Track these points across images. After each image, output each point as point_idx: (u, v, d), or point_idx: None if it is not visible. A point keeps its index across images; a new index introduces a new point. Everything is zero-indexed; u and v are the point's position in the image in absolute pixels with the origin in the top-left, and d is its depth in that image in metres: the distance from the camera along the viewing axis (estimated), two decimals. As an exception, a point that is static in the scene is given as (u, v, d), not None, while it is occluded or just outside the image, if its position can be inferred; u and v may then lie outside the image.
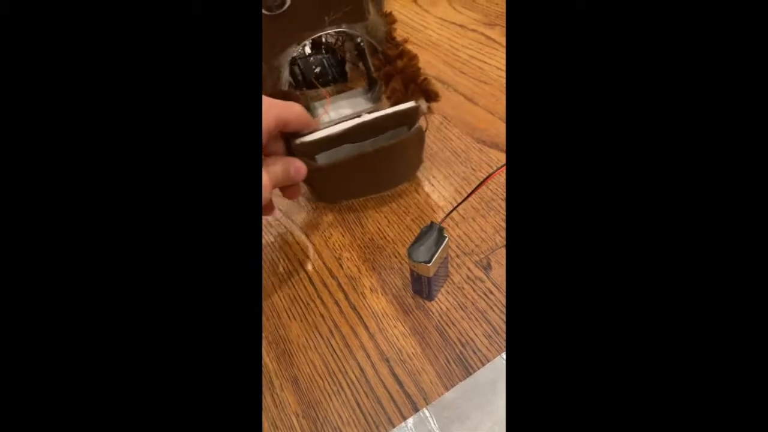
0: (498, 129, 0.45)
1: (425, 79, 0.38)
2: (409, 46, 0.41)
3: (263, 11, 0.35)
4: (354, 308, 0.35)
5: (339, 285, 0.36)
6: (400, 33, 0.43)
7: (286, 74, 0.40)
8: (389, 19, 0.43)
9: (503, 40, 0.54)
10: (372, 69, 0.42)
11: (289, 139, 0.36)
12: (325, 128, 0.36)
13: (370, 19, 0.39)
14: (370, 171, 0.39)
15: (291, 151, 0.36)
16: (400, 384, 0.30)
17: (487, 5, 0.61)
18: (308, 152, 0.36)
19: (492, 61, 0.54)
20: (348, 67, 0.49)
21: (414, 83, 0.38)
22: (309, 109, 0.43)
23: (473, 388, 0.29)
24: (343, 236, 0.40)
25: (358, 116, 0.36)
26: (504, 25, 0.56)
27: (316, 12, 0.37)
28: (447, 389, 0.29)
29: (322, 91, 0.46)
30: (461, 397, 0.29)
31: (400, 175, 0.41)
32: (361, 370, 0.31)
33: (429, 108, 0.39)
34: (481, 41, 0.56)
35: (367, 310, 0.34)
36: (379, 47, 0.41)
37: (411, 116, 0.37)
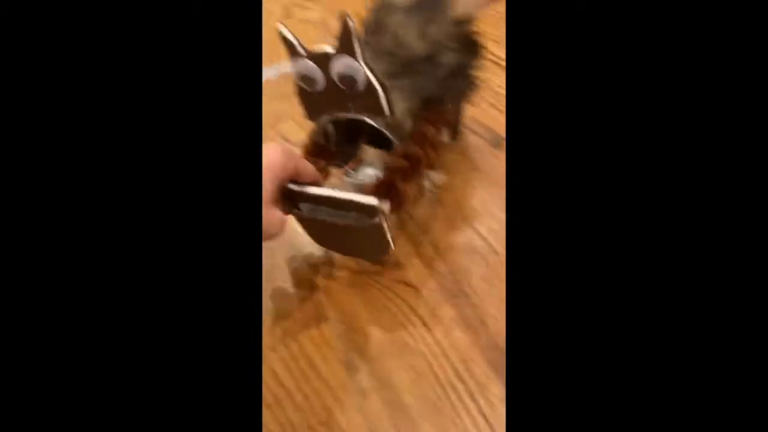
0: None
1: (404, 185, 0.42)
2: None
3: (299, 83, 0.44)
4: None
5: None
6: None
7: (329, 130, 0.48)
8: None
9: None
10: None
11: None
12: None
13: (392, 116, 0.44)
14: (337, 235, 0.46)
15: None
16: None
17: None
18: (292, 198, 0.45)
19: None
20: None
21: (386, 185, 0.42)
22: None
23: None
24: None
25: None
26: None
27: (341, 98, 0.44)
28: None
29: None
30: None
31: (364, 251, 0.47)
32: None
33: (390, 210, 0.43)
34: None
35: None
36: (396, 141, 0.45)
37: (369, 210, 0.42)
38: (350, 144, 0.52)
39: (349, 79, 0.41)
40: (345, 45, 0.39)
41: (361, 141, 0.50)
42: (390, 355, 0.42)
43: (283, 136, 0.64)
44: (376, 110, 0.43)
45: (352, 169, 0.51)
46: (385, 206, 0.42)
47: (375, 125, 0.45)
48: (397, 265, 0.48)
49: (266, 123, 0.58)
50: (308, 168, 0.43)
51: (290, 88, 0.46)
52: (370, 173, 0.50)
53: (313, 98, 0.45)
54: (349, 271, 0.49)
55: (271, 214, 0.39)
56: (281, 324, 0.46)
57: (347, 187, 0.49)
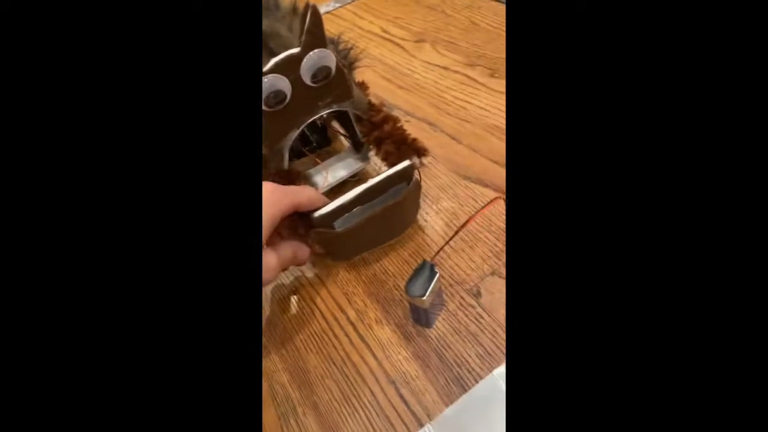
0: (481, 165, 0.50)
1: (414, 138, 0.44)
2: (400, 92, 0.45)
3: (264, 108, 0.39)
4: (362, 339, 0.40)
5: (348, 319, 0.41)
6: (375, 96, 0.48)
7: (287, 155, 0.44)
8: (363, 87, 0.47)
9: (484, 80, 0.59)
10: (358, 134, 0.47)
11: (303, 215, 0.40)
12: (336, 198, 0.41)
13: (354, 95, 0.44)
14: (380, 226, 0.44)
15: (308, 224, 0.40)
16: (406, 404, 0.35)
17: (467, 47, 0.65)
18: (327, 223, 0.41)
19: (474, 100, 0.58)
20: (329, 132, 0.53)
21: (405, 144, 0.43)
22: (305, 177, 0.48)
23: (470, 403, 0.34)
24: (348, 273, 0.45)
25: (354, 177, 0.41)
26: (484, 65, 0.61)
27: (311, 101, 0.41)
28: (447, 406, 0.34)
29: (315, 159, 0.50)
30: (460, 412, 0.34)
31: (405, 223, 0.47)
32: (372, 393, 0.36)
33: (421, 162, 0.44)
34: (464, 81, 0.60)
35: (374, 340, 0.39)
36: (364, 116, 0.46)
37: (409, 173, 0.43)
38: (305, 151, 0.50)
39: (324, 71, 0.40)
40: (317, 37, 0.38)
41: (314, 140, 0.49)
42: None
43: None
44: (345, 95, 0.43)
45: (326, 180, 0.49)
46: (416, 159, 0.43)
47: (351, 111, 0.44)
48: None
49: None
50: (308, 194, 0.40)
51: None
52: (343, 174, 0.49)
53: (276, 118, 0.41)
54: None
55: (267, 260, 0.37)
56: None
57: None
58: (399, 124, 0.45)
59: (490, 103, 0.56)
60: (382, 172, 0.42)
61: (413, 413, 0.35)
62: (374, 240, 0.47)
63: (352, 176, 0.49)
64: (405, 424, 0.35)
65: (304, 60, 0.38)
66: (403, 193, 0.43)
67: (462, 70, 0.61)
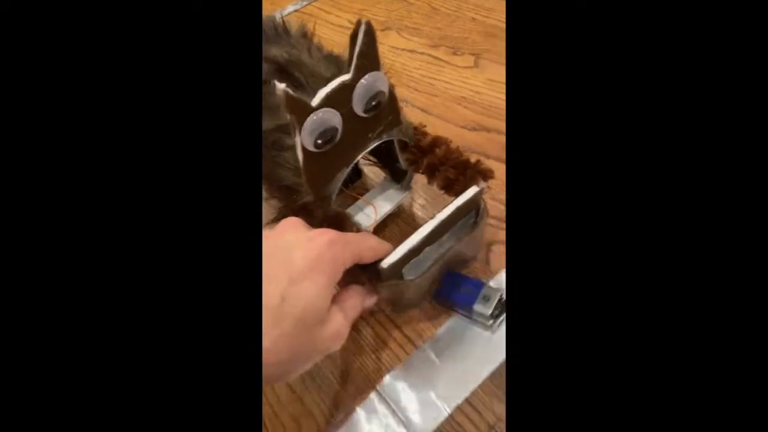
0: (451, 131, 0.53)
1: (477, 160, 0.39)
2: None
3: (312, 149, 0.33)
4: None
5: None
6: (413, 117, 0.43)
7: (334, 198, 0.37)
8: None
9: (447, 58, 0.64)
10: (402, 163, 0.42)
11: (365, 265, 0.34)
12: (401, 243, 0.35)
13: (403, 120, 0.38)
14: (449, 264, 0.39)
15: (373, 275, 0.34)
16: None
17: (430, 31, 0.70)
18: (396, 272, 0.35)
19: (439, 77, 0.62)
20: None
21: (469, 168, 0.38)
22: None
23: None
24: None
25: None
26: (447, 45, 0.66)
27: (363, 133, 0.35)
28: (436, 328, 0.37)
29: (351, 194, 0.44)
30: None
31: (472, 255, 0.41)
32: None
33: (488, 187, 0.39)
34: (430, 61, 0.65)
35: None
36: (411, 141, 0.40)
37: (477, 201, 0.37)
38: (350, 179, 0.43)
39: (378, 97, 0.34)
40: (371, 58, 0.32)
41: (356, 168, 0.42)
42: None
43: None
44: (396, 120, 0.37)
45: (366, 209, 0.42)
46: (483, 183, 0.38)
47: (404, 138, 0.39)
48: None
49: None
50: (370, 243, 0.33)
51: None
52: (388, 208, 0.43)
53: (324, 159, 0.35)
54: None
55: (336, 326, 0.30)
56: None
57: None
58: (456, 148, 0.40)
59: (455, 78, 0.61)
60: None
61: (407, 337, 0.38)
62: (433, 275, 0.41)
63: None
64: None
65: (357, 87, 0.32)
66: (479, 225, 0.38)
67: (427, 51, 0.66)
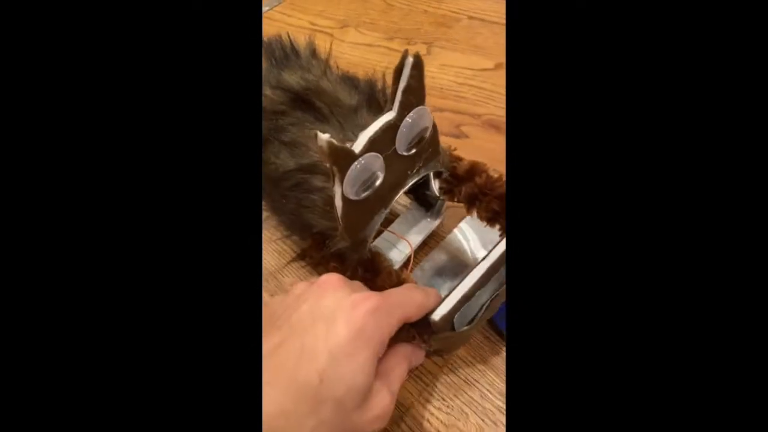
0: None
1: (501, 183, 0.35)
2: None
3: (353, 198, 0.29)
4: None
5: None
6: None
7: (371, 242, 0.34)
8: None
9: (402, 48, 0.63)
10: (436, 191, 0.38)
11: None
12: (447, 297, 0.31)
13: (441, 151, 0.34)
14: (498, 301, 0.36)
15: (421, 330, 0.31)
16: None
17: (386, 25, 0.73)
18: (448, 323, 0.32)
19: (394, 65, 0.62)
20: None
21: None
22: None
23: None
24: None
25: None
26: (401, 37, 0.69)
27: (403, 173, 0.32)
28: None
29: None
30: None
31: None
32: None
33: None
34: (386, 53, 0.68)
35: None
36: (447, 171, 0.36)
37: None
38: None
39: (423, 132, 0.30)
40: (417, 93, 0.28)
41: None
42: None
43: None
44: (435, 152, 0.34)
45: (399, 242, 0.39)
46: None
47: (441, 169, 0.35)
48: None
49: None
50: (418, 300, 0.29)
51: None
52: (420, 239, 0.40)
53: (363, 205, 0.31)
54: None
55: (381, 406, 0.26)
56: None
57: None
58: (492, 173, 0.36)
59: None
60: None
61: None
62: (487, 317, 0.38)
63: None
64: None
65: (402, 127, 0.28)
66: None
67: (383, 44, 0.69)
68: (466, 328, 0.32)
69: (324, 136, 0.25)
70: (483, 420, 0.33)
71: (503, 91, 0.56)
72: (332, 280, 0.28)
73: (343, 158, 0.26)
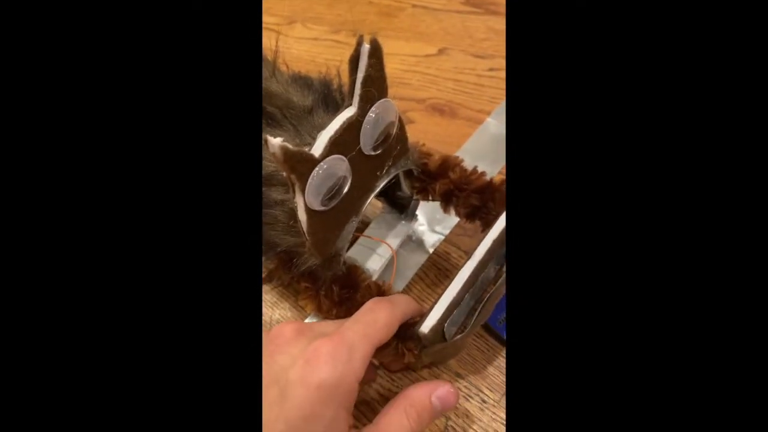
0: None
1: (503, 180, 0.33)
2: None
3: (316, 208, 0.26)
4: None
5: None
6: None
7: (344, 255, 0.30)
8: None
9: (349, 40, 0.65)
10: (407, 191, 0.35)
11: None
12: (439, 298, 0.28)
13: (410, 147, 0.31)
14: (490, 306, 0.33)
15: (409, 344, 0.28)
16: None
17: (332, 18, 0.72)
18: (438, 334, 0.29)
19: (343, 57, 0.63)
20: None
21: (496, 191, 0.32)
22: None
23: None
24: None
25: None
26: (348, 29, 0.69)
27: (371, 175, 0.28)
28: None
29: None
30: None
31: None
32: None
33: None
34: (332, 45, 0.67)
35: None
36: (418, 169, 0.33)
37: (503, 237, 0.32)
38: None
39: (389, 127, 0.27)
40: (379, 83, 0.25)
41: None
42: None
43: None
44: (404, 150, 0.31)
45: (374, 249, 0.36)
46: None
47: (411, 167, 0.32)
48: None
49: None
50: (400, 310, 0.27)
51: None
52: (398, 242, 0.37)
53: (331, 216, 0.27)
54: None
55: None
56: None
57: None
58: (466, 167, 0.34)
59: None
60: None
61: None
62: (480, 323, 0.35)
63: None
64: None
65: (365, 123, 0.25)
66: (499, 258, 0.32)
67: (330, 36, 0.68)
68: (459, 336, 0.29)
69: (276, 141, 0.21)
70: (484, 434, 0.31)
71: (446, 75, 0.56)
72: (285, 331, 0.25)
73: (301, 164, 0.23)
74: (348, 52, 0.59)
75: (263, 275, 0.37)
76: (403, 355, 0.28)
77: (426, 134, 0.50)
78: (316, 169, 0.24)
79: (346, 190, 0.26)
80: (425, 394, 0.25)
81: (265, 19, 0.75)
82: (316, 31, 0.71)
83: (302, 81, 0.34)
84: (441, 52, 0.61)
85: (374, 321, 0.25)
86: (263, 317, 0.37)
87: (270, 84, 0.32)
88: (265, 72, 0.33)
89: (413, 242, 0.38)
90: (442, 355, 0.31)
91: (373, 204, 0.40)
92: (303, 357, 0.23)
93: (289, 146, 0.22)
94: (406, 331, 0.28)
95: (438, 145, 0.41)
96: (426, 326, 0.27)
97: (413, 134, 0.40)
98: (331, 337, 0.23)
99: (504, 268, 0.32)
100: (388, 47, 0.63)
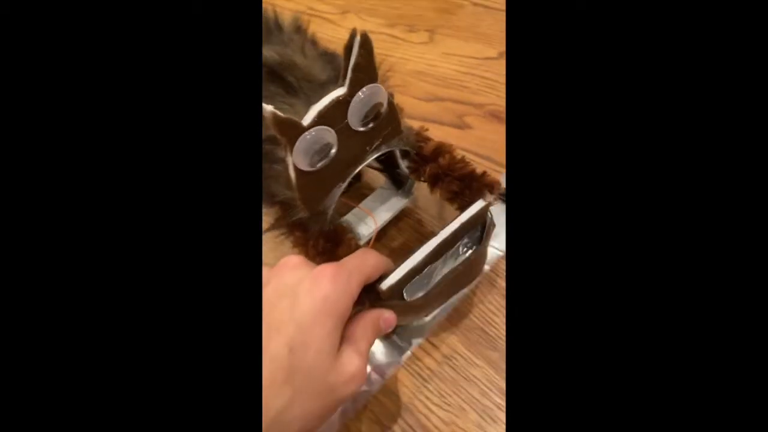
0: (408, 103, 0.55)
1: (484, 172, 0.36)
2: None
3: (305, 169, 0.31)
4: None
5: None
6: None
7: (331, 213, 0.35)
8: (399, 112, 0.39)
9: (404, 36, 0.66)
10: (404, 170, 0.39)
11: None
12: (401, 264, 0.32)
13: (403, 128, 0.35)
14: (455, 282, 0.37)
15: (371, 297, 0.32)
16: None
17: (386, 11, 0.71)
18: (396, 293, 0.33)
19: (395, 53, 0.63)
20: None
21: (475, 181, 0.36)
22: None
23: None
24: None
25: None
26: (403, 23, 0.68)
27: (360, 148, 0.33)
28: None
29: (345, 201, 0.42)
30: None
31: (477, 271, 0.39)
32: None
33: (495, 198, 0.37)
34: (386, 40, 0.66)
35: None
36: (412, 150, 0.37)
37: (483, 215, 0.35)
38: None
39: (375, 109, 0.31)
40: (368, 71, 0.29)
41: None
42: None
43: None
44: (396, 131, 0.35)
45: (366, 218, 0.40)
46: (489, 196, 0.36)
47: (405, 147, 0.36)
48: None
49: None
50: (372, 261, 0.31)
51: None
52: (388, 216, 0.41)
53: (319, 177, 0.32)
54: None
55: (352, 368, 0.27)
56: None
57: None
58: (456, 154, 0.37)
59: (411, 54, 0.62)
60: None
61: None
62: (446, 296, 0.39)
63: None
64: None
65: (353, 102, 0.30)
66: (485, 241, 0.35)
67: (384, 30, 0.68)
68: (415, 298, 0.33)
69: (268, 108, 0.26)
70: (482, 417, 0.34)
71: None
72: (291, 261, 0.30)
73: (290, 129, 0.28)
74: (403, 49, 0.63)
75: (269, 223, 0.42)
76: (365, 304, 0.33)
77: (483, 141, 0.49)
78: (304, 134, 0.28)
79: (332, 154, 0.31)
80: (375, 317, 0.31)
81: (318, 6, 0.76)
82: (370, 24, 0.69)
83: (328, 57, 0.39)
84: (502, 55, 0.57)
85: (366, 260, 0.30)
86: (264, 259, 0.42)
87: (296, 56, 0.37)
88: (296, 46, 0.38)
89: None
90: (399, 312, 0.35)
91: (378, 177, 0.44)
92: (310, 276, 0.28)
93: (279, 113, 0.26)
94: (371, 287, 0.33)
95: (496, 154, 0.41)
96: (385, 284, 0.32)
97: (469, 140, 0.42)
98: (334, 264, 0.29)
99: (473, 251, 0.35)
100: (445, 46, 0.67)
